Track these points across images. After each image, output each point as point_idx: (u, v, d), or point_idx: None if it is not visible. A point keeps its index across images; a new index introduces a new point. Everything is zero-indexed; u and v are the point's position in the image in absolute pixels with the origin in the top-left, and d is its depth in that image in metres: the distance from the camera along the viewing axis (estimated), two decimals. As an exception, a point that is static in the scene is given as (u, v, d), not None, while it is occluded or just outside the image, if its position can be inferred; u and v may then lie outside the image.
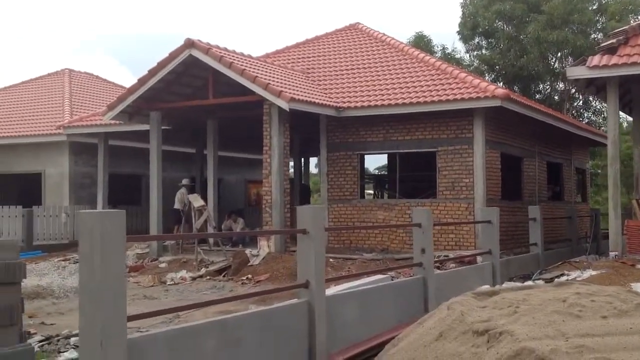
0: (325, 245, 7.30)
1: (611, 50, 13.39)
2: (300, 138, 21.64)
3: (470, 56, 36.98)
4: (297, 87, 17.51)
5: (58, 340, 8.36)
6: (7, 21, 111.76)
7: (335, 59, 21.04)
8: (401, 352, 5.39)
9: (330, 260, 14.57)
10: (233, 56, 17.12)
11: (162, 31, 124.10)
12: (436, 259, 12.91)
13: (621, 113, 20.03)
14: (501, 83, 33.41)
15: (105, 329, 4.45)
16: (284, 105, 15.59)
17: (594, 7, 34.05)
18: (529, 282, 11.56)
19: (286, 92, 15.82)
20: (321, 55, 21.54)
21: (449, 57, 34.73)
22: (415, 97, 16.93)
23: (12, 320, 5.53)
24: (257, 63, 18.12)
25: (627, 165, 25.39)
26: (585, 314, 4.87)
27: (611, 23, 30.44)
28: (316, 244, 6.94)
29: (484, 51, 35.89)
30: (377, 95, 17.78)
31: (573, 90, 34.51)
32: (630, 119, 21.95)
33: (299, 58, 21.66)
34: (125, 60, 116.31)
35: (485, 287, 10.13)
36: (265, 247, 15.79)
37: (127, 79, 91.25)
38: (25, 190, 23.70)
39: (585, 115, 36.45)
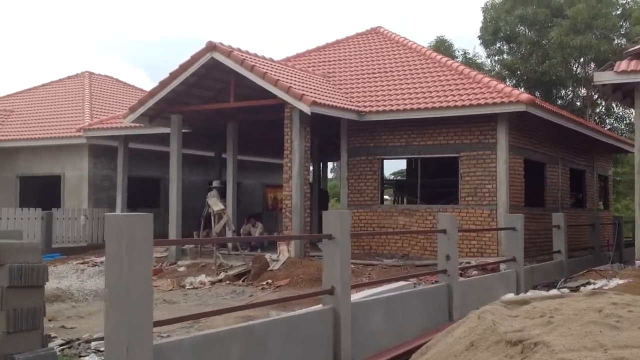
0: (350, 250, 7.16)
1: (639, 56, 13.19)
2: (318, 142, 21.53)
3: (491, 61, 36.78)
4: (318, 90, 17.40)
5: (79, 345, 8.29)
6: (19, 24, 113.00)
7: (357, 62, 20.90)
8: (431, 361, 5.27)
9: (351, 266, 14.39)
10: (254, 59, 17.06)
11: (179, 35, 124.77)
12: (458, 266, 12.74)
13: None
14: (522, 88, 33.09)
15: (132, 334, 4.36)
16: (306, 109, 15.49)
17: (618, 12, 33.69)
18: (554, 291, 11.39)
19: (308, 95, 15.72)
20: (342, 59, 21.42)
21: (470, 62, 34.49)
22: (438, 101, 16.76)
23: (35, 325, 5.46)
24: (278, 66, 18.04)
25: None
26: (623, 324, 4.74)
27: (636, 28, 30.12)
28: (342, 250, 6.83)
29: (505, 56, 35.63)
30: (399, 100, 17.63)
31: (595, 96, 34.18)
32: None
33: (320, 62, 21.55)
34: (141, 63, 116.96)
35: (510, 296, 9.98)
36: (285, 251, 15.66)
37: (143, 83, 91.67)
38: (44, 193, 23.76)
39: (608, 121, 36.07)
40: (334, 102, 16.94)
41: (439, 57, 20.22)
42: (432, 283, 11.70)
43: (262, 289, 13.93)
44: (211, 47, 16.54)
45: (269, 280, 14.31)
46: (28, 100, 27.74)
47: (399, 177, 31.14)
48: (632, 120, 34.18)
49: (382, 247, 17.48)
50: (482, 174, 16.49)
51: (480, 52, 38.67)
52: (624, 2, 34.36)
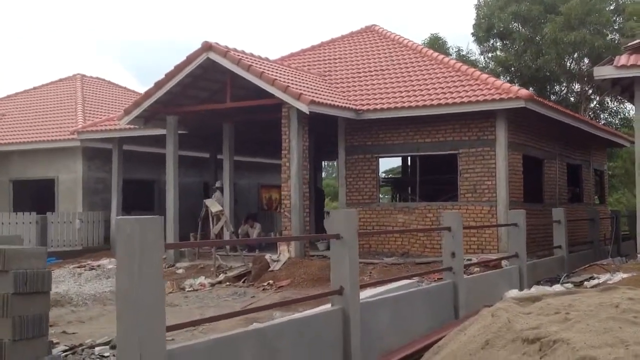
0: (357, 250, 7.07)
1: (638, 50, 13.16)
2: (314, 142, 21.41)
3: (484, 58, 36.76)
4: (315, 89, 17.31)
5: (82, 350, 8.16)
6: (9, 26, 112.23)
7: (352, 61, 20.80)
8: (445, 360, 5.19)
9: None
10: (251, 59, 16.95)
11: (168, 37, 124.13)
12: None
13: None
14: (517, 85, 33.11)
15: (145, 339, 4.26)
16: (304, 108, 15.39)
17: (612, 7, 33.71)
18: (558, 286, 11.32)
19: (306, 94, 15.62)
20: (338, 58, 21.31)
21: (463, 59, 34.46)
22: (436, 98, 16.70)
23: (41, 332, 5.33)
24: (274, 66, 17.94)
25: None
26: (641, 319, 4.67)
27: (629, 23, 30.12)
28: (350, 249, 6.74)
29: (498, 53, 35.61)
30: (396, 98, 17.56)
31: (590, 92, 34.22)
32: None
33: (315, 61, 21.44)
34: (130, 66, 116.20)
35: (515, 292, 9.91)
36: (285, 252, 15.56)
37: (132, 85, 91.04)
38: (38, 197, 23.56)
39: (602, 116, 36.13)
40: (332, 100, 16.85)
41: (435, 54, 20.17)
42: (435, 281, 11.63)
43: (263, 289, 13.84)
44: (207, 47, 16.42)
45: (270, 281, 14.22)
46: (20, 104, 27.49)
47: (390, 175, 31.09)
48: (627, 114, 34.40)
49: (382, 245, 17.39)
50: (482, 170, 16.44)
51: (473, 49, 38.59)
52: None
